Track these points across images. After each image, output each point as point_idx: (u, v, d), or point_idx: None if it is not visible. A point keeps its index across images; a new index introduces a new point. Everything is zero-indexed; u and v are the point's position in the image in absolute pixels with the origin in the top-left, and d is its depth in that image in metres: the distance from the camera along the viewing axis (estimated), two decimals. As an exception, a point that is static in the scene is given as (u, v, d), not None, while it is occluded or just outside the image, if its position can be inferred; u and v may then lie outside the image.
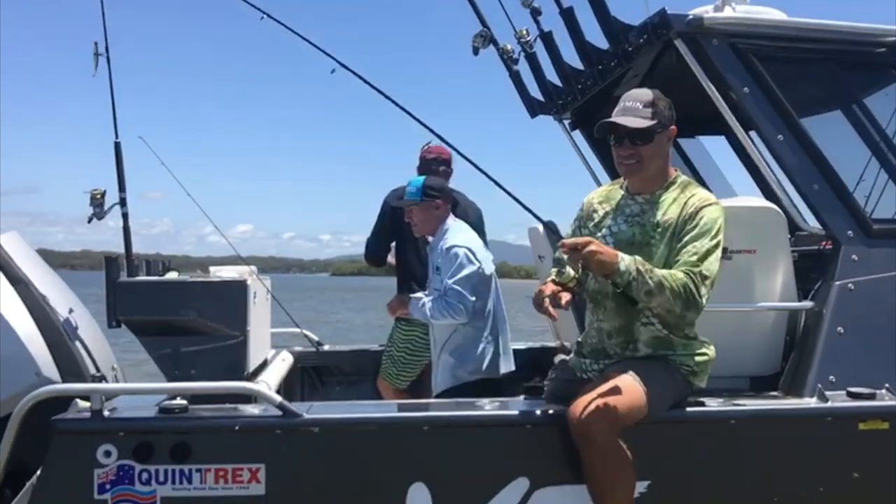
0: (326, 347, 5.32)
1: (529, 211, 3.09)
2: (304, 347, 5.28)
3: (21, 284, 4.09)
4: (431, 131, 3.26)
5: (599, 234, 3.08)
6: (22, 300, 4.03)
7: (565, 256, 2.79)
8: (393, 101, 3.22)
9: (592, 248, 2.71)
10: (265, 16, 3.49)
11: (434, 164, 4.89)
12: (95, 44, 4.07)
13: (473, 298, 3.93)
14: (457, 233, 4.15)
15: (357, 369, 5.02)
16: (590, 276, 3.05)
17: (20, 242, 4.28)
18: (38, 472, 3.27)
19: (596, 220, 3.16)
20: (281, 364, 4.61)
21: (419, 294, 4.30)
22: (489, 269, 4.13)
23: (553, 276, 2.98)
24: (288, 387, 4.68)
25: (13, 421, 2.99)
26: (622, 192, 3.15)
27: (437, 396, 4.11)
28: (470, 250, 4.02)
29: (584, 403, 2.82)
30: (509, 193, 3.03)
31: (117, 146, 4.04)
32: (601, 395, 2.81)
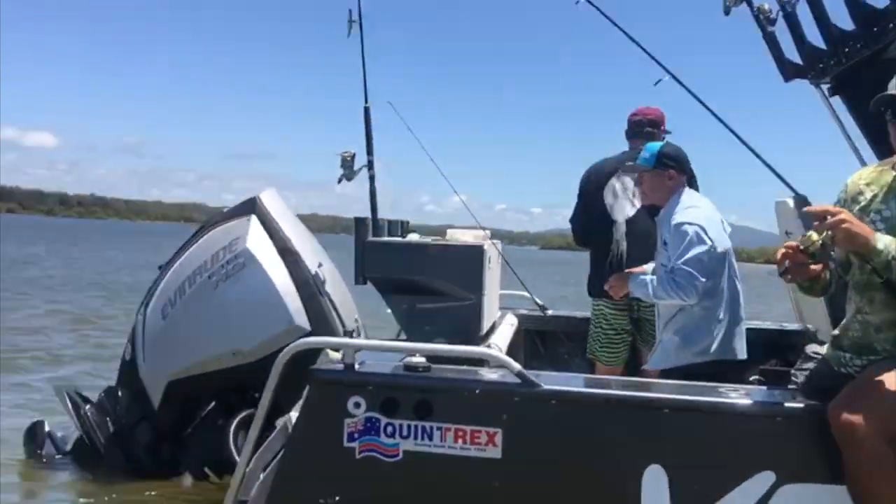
0: (551, 312, 5.34)
1: (783, 181, 2.86)
2: (528, 311, 5.33)
3: (278, 239, 4.44)
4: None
5: (867, 219, 2.81)
6: (279, 254, 4.38)
7: (813, 226, 2.57)
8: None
9: (843, 216, 2.52)
10: None
11: (638, 127, 4.68)
12: (350, 11, 4.28)
13: (704, 279, 3.73)
14: (688, 207, 3.91)
15: (582, 336, 4.98)
16: (854, 265, 2.81)
17: (278, 199, 4.64)
18: (292, 415, 3.55)
19: (862, 203, 2.87)
20: (508, 327, 4.68)
21: (645, 267, 4.17)
22: (723, 245, 3.89)
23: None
24: (511, 350, 4.75)
25: (276, 367, 3.25)
26: (894, 174, 2.84)
27: (659, 376, 3.99)
28: (701, 228, 3.78)
29: (850, 401, 2.61)
30: (767, 164, 2.84)
31: (367, 111, 4.24)
32: (870, 393, 2.59)
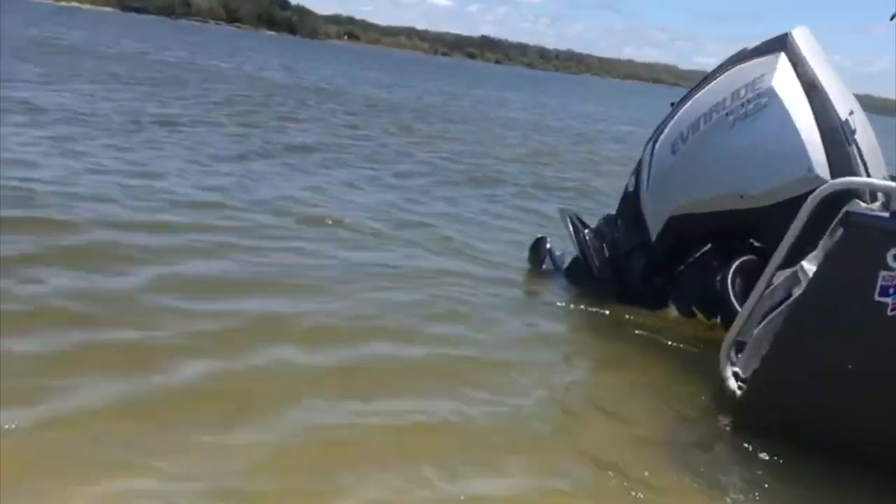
0: None
1: None
2: None
3: (807, 79, 4.12)
4: None
5: None
6: (806, 95, 4.07)
7: None
8: None
9: None
10: None
11: None
12: None
13: None
14: None
15: None
16: None
17: (811, 38, 4.27)
18: (804, 264, 3.38)
19: None
20: None
21: None
22: None
23: None
24: None
25: (805, 209, 3.08)
26: None
27: None
28: None
29: None
30: None
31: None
32: None
